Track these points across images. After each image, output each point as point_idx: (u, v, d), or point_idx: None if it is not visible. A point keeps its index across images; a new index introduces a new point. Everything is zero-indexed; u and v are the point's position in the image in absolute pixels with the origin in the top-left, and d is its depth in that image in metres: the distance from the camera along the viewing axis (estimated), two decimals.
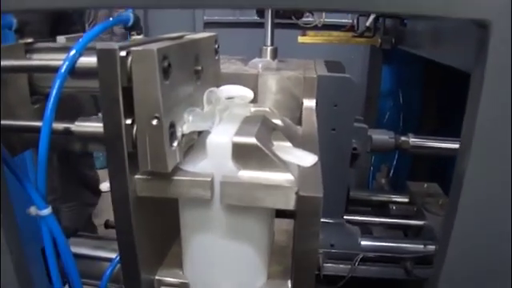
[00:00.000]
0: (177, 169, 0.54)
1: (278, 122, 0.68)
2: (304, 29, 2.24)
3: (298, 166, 0.56)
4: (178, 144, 0.53)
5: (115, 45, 0.47)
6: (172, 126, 0.51)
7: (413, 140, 1.14)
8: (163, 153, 0.50)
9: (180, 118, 0.54)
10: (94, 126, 0.55)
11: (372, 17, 1.98)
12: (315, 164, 0.57)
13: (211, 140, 0.54)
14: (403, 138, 1.14)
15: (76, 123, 0.56)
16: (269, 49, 1.08)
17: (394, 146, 1.13)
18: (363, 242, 1.06)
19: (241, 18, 2.40)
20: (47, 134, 0.51)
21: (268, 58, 1.07)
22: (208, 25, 2.64)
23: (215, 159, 0.54)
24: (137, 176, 0.53)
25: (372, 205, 1.36)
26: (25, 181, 0.52)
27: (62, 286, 0.70)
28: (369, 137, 1.11)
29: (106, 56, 0.47)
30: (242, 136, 0.54)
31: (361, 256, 1.03)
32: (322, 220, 1.07)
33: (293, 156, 0.57)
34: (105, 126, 0.50)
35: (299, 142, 0.65)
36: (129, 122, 0.50)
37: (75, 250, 0.70)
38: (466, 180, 0.48)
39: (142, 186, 0.53)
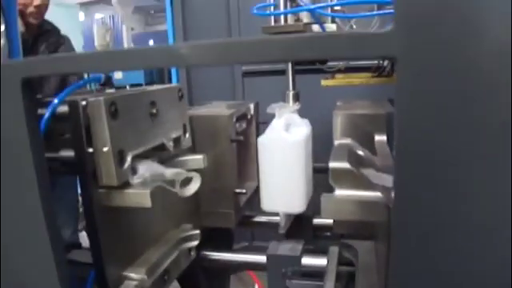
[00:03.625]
0: (127, 184, 0.79)
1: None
2: (329, 73, 2.47)
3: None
4: (128, 166, 0.79)
5: (79, 98, 0.75)
6: (120, 152, 0.77)
7: None
8: (112, 171, 0.76)
9: (130, 147, 0.80)
10: (69, 153, 0.82)
11: None
12: None
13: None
14: None
15: (60, 152, 0.84)
16: (291, 93, 1.29)
17: None
18: None
19: (276, 66, 2.63)
20: None
21: (290, 101, 1.28)
22: (246, 74, 2.95)
23: None
24: (99, 190, 0.79)
25: None
26: None
27: None
28: None
29: (73, 105, 0.75)
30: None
31: None
32: None
33: (381, 177, 0.79)
34: (75, 153, 0.77)
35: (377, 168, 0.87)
36: (90, 150, 0.77)
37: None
38: None
39: (103, 197, 0.79)
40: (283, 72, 1.39)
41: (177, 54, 0.65)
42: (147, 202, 0.78)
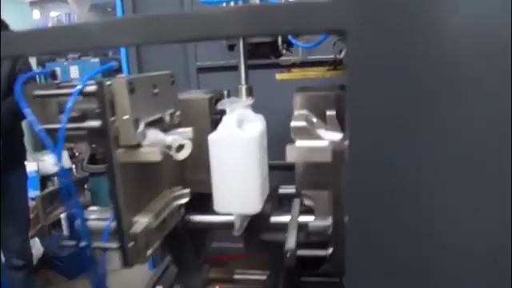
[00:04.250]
0: (139, 146, 1.08)
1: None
2: (285, 67, 2.69)
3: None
4: (141, 130, 1.07)
5: (105, 79, 1.03)
6: (136, 120, 1.06)
7: None
8: (130, 134, 1.04)
9: (142, 117, 1.08)
10: (95, 123, 1.09)
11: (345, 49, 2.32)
12: (341, 138, 1.07)
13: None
14: None
15: (86, 122, 1.11)
16: (243, 87, 1.40)
17: None
18: None
19: (232, 61, 2.71)
20: (64, 128, 1.06)
21: (243, 96, 1.40)
22: (201, 70, 3.03)
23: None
24: (119, 150, 1.08)
25: None
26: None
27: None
28: None
29: (100, 85, 1.03)
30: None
31: None
32: None
33: (328, 134, 1.09)
34: (101, 121, 1.05)
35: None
36: (113, 119, 1.05)
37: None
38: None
39: (122, 155, 1.07)
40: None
41: (87, 33, 0.69)
42: (157, 158, 1.07)
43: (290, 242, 1.09)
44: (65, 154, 4.90)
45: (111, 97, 1.03)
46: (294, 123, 1.06)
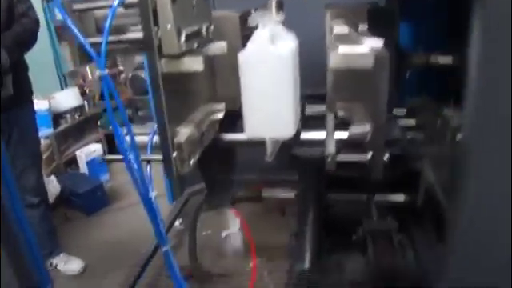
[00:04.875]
0: (183, 54, 1.12)
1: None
2: None
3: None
4: (183, 40, 1.11)
5: None
6: (179, 30, 1.10)
7: None
8: (174, 43, 1.08)
9: (183, 27, 1.12)
10: (138, 34, 1.14)
11: None
12: (382, 45, 1.09)
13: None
14: None
15: (127, 34, 1.15)
16: (273, 1, 1.30)
17: None
18: None
19: None
20: (106, 40, 1.10)
21: (273, 11, 1.30)
22: None
23: None
24: (163, 59, 1.12)
25: None
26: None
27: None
28: None
29: None
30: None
31: None
32: None
33: (369, 41, 1.11)
34: (144, 32, 1.09)
35: None
36: (156, 29, 1.09)
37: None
38: None
39: (165, 65, 1.12)
40: None
41: None
42: (200, 67, 1.11)
43: (330, 147, 1.16)
44: (76, 91, 4.95)
45: (154, 6, 1.06)
46: (337, 29, 1.09)
